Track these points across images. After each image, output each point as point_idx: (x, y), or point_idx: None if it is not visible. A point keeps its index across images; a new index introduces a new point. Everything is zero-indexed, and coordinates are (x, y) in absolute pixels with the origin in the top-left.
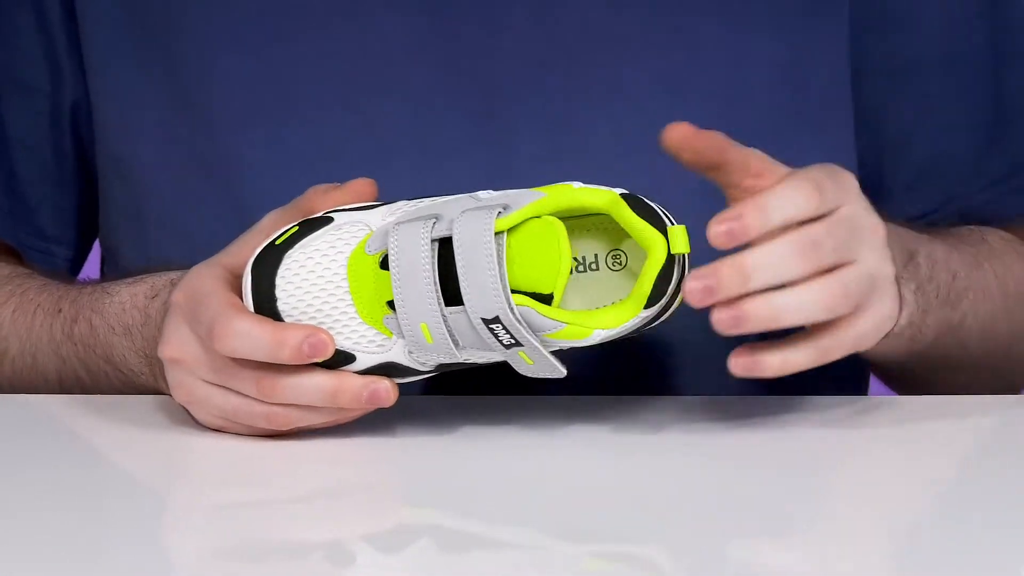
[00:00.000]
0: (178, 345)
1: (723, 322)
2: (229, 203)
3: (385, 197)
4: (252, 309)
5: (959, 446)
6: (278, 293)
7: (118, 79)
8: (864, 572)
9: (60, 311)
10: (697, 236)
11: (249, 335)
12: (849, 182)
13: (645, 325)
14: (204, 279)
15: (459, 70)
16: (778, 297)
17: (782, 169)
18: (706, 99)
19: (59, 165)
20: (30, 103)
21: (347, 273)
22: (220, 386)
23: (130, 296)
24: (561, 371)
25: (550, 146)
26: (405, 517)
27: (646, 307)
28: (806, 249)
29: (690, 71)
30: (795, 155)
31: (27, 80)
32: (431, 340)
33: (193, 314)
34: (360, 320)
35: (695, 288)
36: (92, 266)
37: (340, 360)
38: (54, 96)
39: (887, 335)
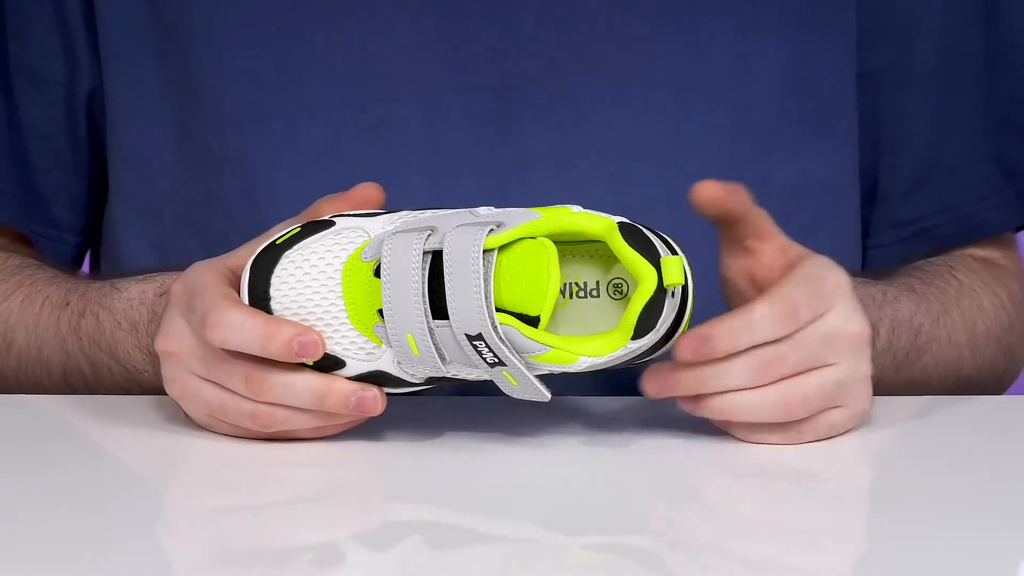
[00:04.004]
0: (173, 338)
1: (685, 403)
2: (241, 199)
3: (395, 196)
4: None
5: (959, 446)
6: (272, 292)
7: (134, 73)
8: (863, 571)
9: (68, 304)
10: (705, 237)
11: (241, 326)
12: (836, 285)
13: (640, 357)
14: (203, 273)
15: (470, 70)
16: (737, 396)
17: (783, 239)
18: (714, 103)
19: (74, 154)
20: (46, 93)
21: (342, 278)
22: (210, 381)
23: (139, 293)
24: (545, 395)
25: (560, 147)
26: (393, 515)
27: (634, 338)
28: (768, 365)
29: (699, 75)
30: (801, 161)
31: (43, 71)
32: (417, 352)
33: (188, 304)
34: (351, 326)
35: (651, 385)
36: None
37: (330, 365)
38: (70, 86)
39: None
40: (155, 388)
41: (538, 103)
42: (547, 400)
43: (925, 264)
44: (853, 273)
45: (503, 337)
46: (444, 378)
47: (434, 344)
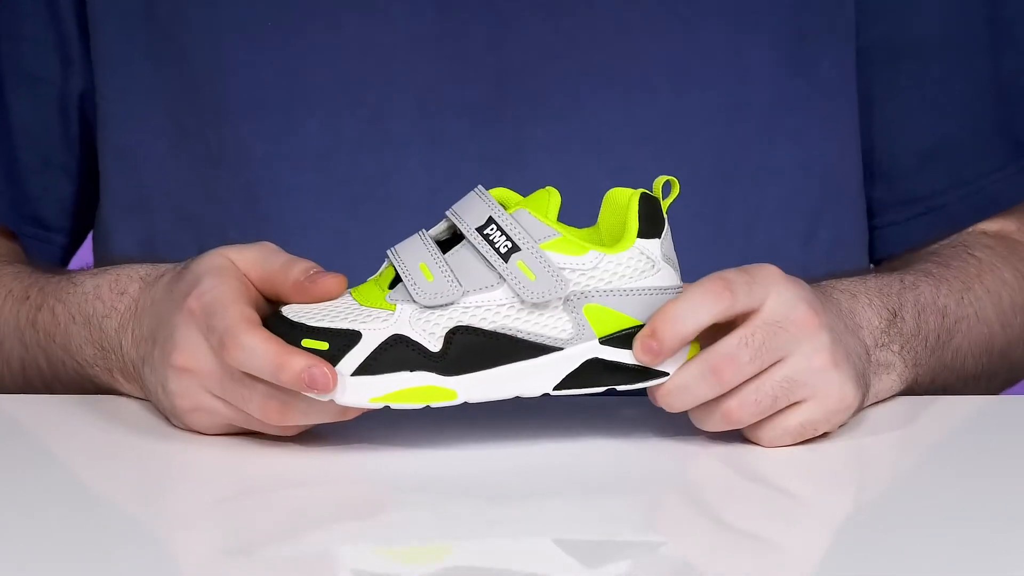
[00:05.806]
0: (191, 355)
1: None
2: (239, 193)
3: (394, 186)
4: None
5: (959, 446)
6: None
7: (127, 70)
8: (862, 572)
9: (28, 298)
10: (706, 222)
11: (255, 351)
12: (768, 274)
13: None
14: (221, 290)
15: (465, 61)
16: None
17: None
18: (711, 87)
19: (65, 155)
20: (39, 93)
21: (351, 292)
22: (225, 400)
23: (93, 287)
24: (565, 285)
25: (558, 138)
26: (402, 508)
27: (640, 236)
28: (723, 368)
29: (693, 57)
30: (801, 142)
31: (36, 71)
32: (432, 278)
33: (208, 324)
34: (361, 307)
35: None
36: (86, 253)
37: (346, 342)
38: (63, 85)
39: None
40: (107, 385)
41: (533, 91)
42: (566, 293)
43: (939, 248)
44: (866, 270)
45: (514, 219)
46: (462, 329)
47: (448, 267)
